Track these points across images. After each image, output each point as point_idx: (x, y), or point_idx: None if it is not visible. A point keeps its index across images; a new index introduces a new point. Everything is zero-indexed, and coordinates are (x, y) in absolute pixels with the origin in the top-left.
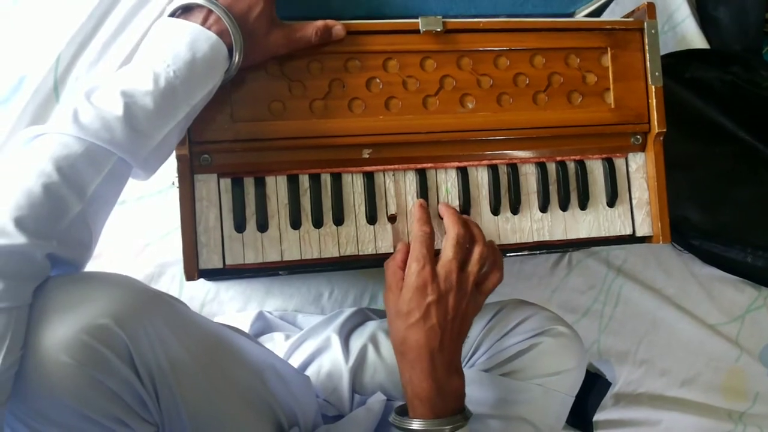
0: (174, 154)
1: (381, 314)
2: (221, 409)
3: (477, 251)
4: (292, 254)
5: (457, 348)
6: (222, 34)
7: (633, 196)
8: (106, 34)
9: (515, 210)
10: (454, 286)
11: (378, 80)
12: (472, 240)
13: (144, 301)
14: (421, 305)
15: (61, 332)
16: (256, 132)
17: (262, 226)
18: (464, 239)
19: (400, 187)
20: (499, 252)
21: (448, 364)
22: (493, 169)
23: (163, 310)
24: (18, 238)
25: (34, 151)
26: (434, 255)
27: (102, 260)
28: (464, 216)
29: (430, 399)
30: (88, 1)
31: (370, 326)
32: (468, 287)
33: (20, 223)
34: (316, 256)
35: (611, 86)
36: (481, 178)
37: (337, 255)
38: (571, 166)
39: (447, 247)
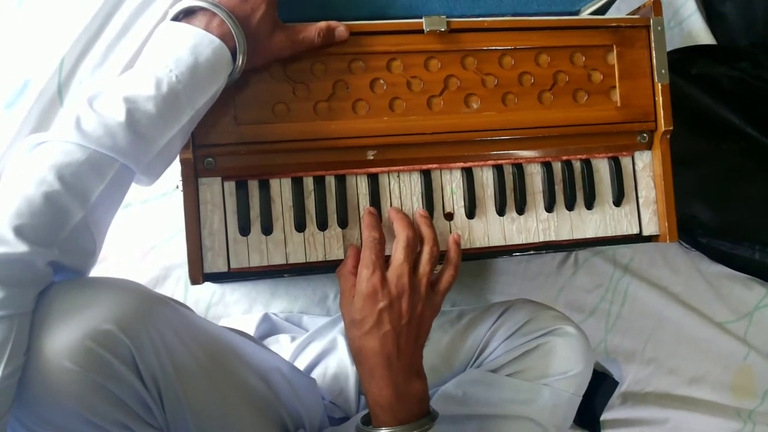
0: (178, 157)
1: None
2: (226, 412)
3: (427, 251)
4: (297, 257)
5: (416, 351)
6: (225, 37)
7: (639, 195)
8: (109, 36)
9: (521, 210)
10: (407, 290)
11: (382, 81)
12: (422, 241)
13: (147, 306)
14: (374, 312)
15: (65, 338)
16: (260, 135)
17: (267, 229)
18: (414, 242)
19: (404, 189)
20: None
21: (407, 368)
22: (499, 170)
23: (166, 314)
24: (18, 247)
25: (35, 159)
26: (385, 260)
27: (107, 263)
28: (421, 212)
29: (391, 406)
30: (92, 3)
31: None
32: (422, 289)
33: (20, 231)
34: (321, 258)
35: (617, 84)
36: (486, 178)
37: (343, 257)
38: (577, 166)
39: (397, 250)
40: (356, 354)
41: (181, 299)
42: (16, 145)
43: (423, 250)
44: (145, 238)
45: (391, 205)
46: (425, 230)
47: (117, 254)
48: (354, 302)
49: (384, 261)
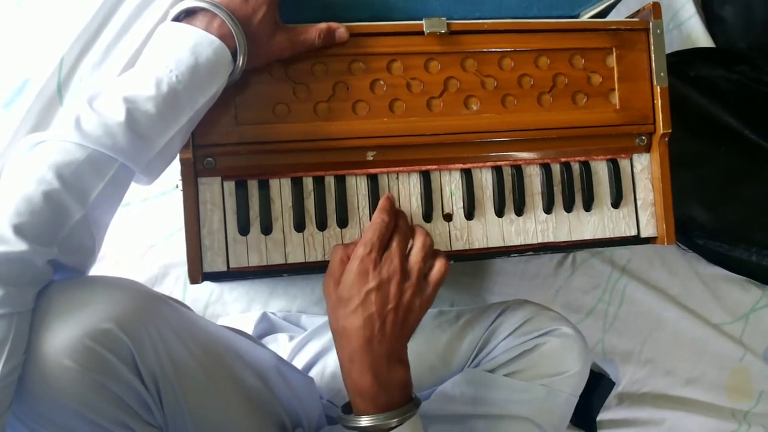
0: (178, 157)
1: None
2: (225, 411)
3: (420, 240)
4: (296, 257)
5: (401, 339)
6: (225, 37)
7: (638, 197)
8: (109, 35)
9: (519, 211)
10: (398, 273)
11: (382, 82)
12: (415, 233)
13: (147, 305)
14: (361, 292)
15: (64, 336)
16: (260, 135)
17: (266, 229)
18: (408, 232)
19: (404, 189)
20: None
21: (389, 355)
22: (498, 171)
23: (166, 313)
24: (18, 245)
25: (35, 158)
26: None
27: (106, 262)
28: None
29: (371, 393)
30: (91, 2)
31: None
32: (413, 276)
33: (19, 230)
34: (320, 258)
35: (616, 87)
36: (485, 179)
37: None
38: (576, 167)
39: (393, 237)
40: (338, 335)
41: (179, 298)
42: (15, 144)
43: (416, 240)
44: (144, 237)
45: None
46: (417, 227)
47: (116, 253)
48: (343, 280)
49: (384, 245)
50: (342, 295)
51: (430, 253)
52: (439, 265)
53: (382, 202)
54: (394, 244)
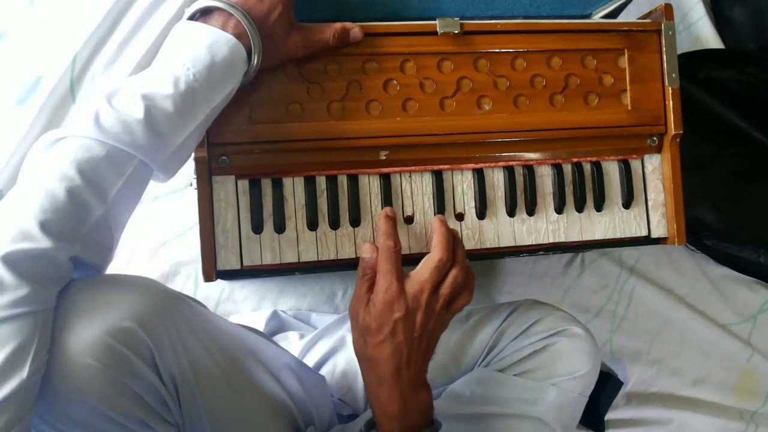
0: (192, 155)
1: None
2: (240, 409)
3: (452, 275)
4: (309, 255)
5: (424, 364)
6: (241, 36)
7: (649, 197)
8: (122, 33)
9: (531, 211)
10: (423, 306)
11: (395, 82)
12: (454, 263)
13: (167, 304)
14: (389, 321)
15: (86, 335)
16: (274, 134)
17: (280, 227)
18: (445, 266)
19: (416, 189)
20: (473, 274)
21: (415, 380)
22: (509, 171)
23: (185, 312)
24: (43, 242)
25: (56, 154)
26: (402, 269)
27: (118, 260)
28: (453, 230)
29: (398, 416)
30: (104, 1)
31: None
32: (436, 308)
33: (45, 227)
34: (332, 257)
35: (628, 88)
36: (497, 179)
37: (354, 256)
38: (587, 168)
39: (425, 268)
40: (367, 362)
41: (191, 296)
42: (28, 141)
43: (449, 273)
44: (156, 235)
45: (402, 206)
46: (459, 253)
47: (127, 250)
48: (370, 309)
49: (401, 270)
50: (370, 324)
51: (460, 287)
52: (462, 299)
53: (383, 226)
54: (426, 277)
